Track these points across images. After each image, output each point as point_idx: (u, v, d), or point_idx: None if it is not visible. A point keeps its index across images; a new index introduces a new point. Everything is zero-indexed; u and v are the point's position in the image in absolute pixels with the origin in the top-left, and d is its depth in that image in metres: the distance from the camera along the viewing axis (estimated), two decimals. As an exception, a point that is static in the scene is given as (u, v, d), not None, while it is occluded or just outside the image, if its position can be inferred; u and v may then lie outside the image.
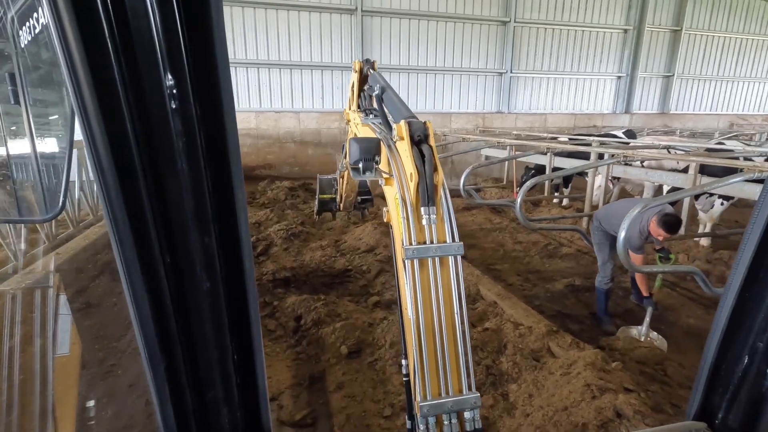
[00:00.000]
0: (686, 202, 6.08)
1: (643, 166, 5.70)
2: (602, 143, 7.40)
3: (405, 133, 1.20)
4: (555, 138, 9.36)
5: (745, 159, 5.05)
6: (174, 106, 0.54)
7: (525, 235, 7.30)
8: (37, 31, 0.99)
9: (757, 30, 16.72)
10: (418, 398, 1.10)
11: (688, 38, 15.93)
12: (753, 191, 4.58)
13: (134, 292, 0.59)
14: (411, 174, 1.15)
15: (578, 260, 6.26)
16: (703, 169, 5.16)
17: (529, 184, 5.47)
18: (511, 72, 14.34)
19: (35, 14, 0.98)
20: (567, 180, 8.82)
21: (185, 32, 0.52)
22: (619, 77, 15.76)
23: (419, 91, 13.47)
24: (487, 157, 9.22)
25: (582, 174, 7.33)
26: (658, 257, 4.19)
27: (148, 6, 0.50)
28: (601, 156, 6.45)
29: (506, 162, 9.46)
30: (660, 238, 3.71)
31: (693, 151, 5.89)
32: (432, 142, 1.23)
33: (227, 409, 0.70)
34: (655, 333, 4.04)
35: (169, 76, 0.53)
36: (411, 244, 1.12)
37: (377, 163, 1.31)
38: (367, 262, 5.58)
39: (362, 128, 1.92)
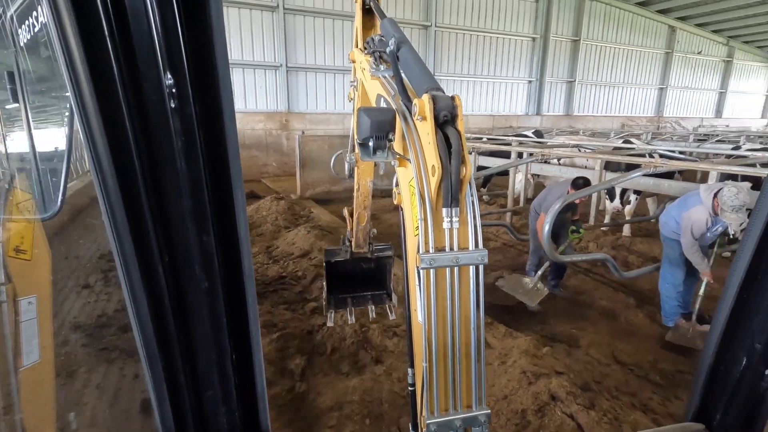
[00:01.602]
0: (594, 195, 6.73)
1: (559, 164, 6.21)
2: (521, 143, 7.93)
3: (428, 112, 0.98)
4: (479, 138, 9.87)
5: (649, 156, 5.73)
6: (173, 106, 0.55)
7: (455, 231, 7.57)
8: (36, 29, 0.99)
9: (640, 42, 19.10)
10: (425, 414, 1.02)
11: (586, 48, 17.72)
12: (648, 183, 5.20)
13: (133, 291, 0.60)
14: (433, 167, 0.96)
15: (504, 253, 6.63)
16: (608, 166, 5.74)
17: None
18: (435, 74, 14.84)
19: (34, 13, 0.98)
20: (487, 179, 9.34)
21: (185, 32, 0.53)
22: (530, 81, 17.06)
23: (346, 92, 13.40)
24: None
25: (502, 173, 7.80)
26: (570, 230, 4.58)
27: (148, 6, 0.51)
28: (520, 155, 6.90)
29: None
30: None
31: (599, 149, 6.53)
32: (460, 124, 1.00)
33: (225, 409, 0.70)
34: (542, 284, 4.50)
35: (169, 76, 0.53)
36: (428, 251, 0.97)
37: (390, 140, 1.11)
38: (302, 268, 5.41)
39: (371, 82, 1.59)
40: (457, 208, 0.97)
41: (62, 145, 1.32)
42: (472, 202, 1.02)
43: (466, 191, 1.00)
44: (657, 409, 3.09)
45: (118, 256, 0.58)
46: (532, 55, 16.75)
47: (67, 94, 0.54)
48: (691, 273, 4.17)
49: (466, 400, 1.05)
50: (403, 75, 1.23)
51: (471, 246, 1.01)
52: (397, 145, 1.14)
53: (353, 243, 2.92)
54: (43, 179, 1.29)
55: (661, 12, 18.84)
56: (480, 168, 7.43)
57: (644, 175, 4.47)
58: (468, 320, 1.02)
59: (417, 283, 1.02)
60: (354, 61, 2.18)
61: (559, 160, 6.51)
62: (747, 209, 3.52)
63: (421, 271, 0.98)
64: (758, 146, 8.32)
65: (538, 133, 11.15)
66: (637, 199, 6.88)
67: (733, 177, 5.51)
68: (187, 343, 0.65)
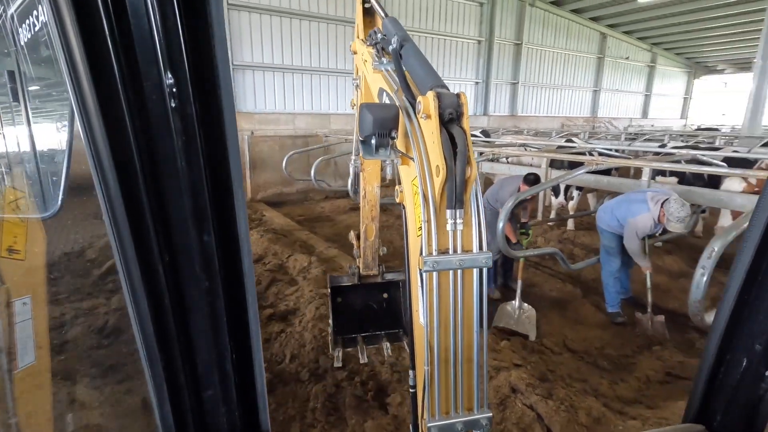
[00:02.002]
0: (541, 192, 7.05)
1: (508, 162, 6.44)
2: (473, 143, 8.16)
3: (433, 110, 0.94)
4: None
5: (589, 154, 6.09)
6: (173, 105, 0.55)
7: (410, 230, 7.63)
8: (36, 28, 1.00)
9: (576, 47, 20.34)
10: (426, 416, 1.00)
11: (527, 51, 18.58)
12: (589, 180, 5.53)
13: (133, 290, 0.60)
14: (437, 167, 0.93)
15: (459, 250, 6.79)
16: (552, 164, 6.03)
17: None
18: (385, 75, 14.92)
19: (35, 12, 0.98)
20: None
21: (185, 32, 0.53)
22: (477, 83, 17.61)
23: (296, 91, 13.13)
24: (369, 158, 9.42)
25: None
26: (520, 232, 4.77)
27: (149, 5, 0.51)
28: (471, 154, 7.10)
29: (387, 162, 9.82)
30: (519, 191, 4.48)
31: (544, 148, 6.85)
32: (466, 123, 0.97)
33: (225, 409, 0.70)
34: (527, 305, 4.59)
35: (169, 75, 0.53)
36: (431, 253, 0.95)
37: (393, 138, 1.07)
38: (256, 273, 5.22)
39: (373, 75, 1.55)
40: (461, 210, 0.95)
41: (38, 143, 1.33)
42: (478, 203, 1.01)
43: (470, 192, 0.98)
44: (607, 393, 3.27)
45: (118, 256, 0.58)
46: (478, 57, 17.30)
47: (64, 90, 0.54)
48: (625, 261, 4.52)
49: (467, 402, 1.04)
50: (406, 72, 1.20)
51: (475, 248, 0.99)
52: (400, 143, 1.11)
53: (361, 263, 2.72)
54: (42, 178, 1.30)
55: (594, 19, 20.17)
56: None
57: (587, 172, 4.74)
58: (470, 323, 1.01)
59: (419, 284, 1.00)
60: (355, 53, 2.11)
61: (507, 158, 6.75)
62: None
63: (424, 274, 0.96)
64: (681, 144, 9.12)
65: (486, 133, 11.55)
66: (579, 194, 7.31)
67: (662, 172, 6.01)
68: (187, 343, 0.65)
